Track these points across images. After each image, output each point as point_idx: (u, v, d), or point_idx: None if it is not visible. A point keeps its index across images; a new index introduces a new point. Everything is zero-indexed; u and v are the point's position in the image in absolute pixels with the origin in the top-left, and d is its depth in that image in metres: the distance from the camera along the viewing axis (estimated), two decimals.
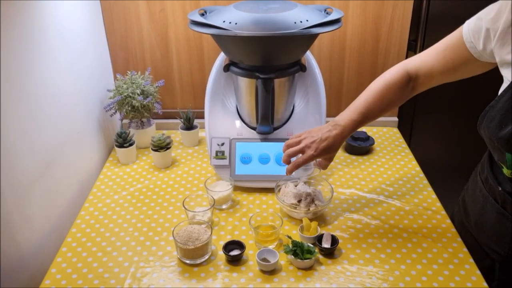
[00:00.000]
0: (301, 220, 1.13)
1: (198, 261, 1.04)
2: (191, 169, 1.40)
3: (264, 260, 1.02)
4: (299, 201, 1.16)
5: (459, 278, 0.98)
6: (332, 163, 1.38)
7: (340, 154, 1.46)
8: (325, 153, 1.03)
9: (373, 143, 1.47)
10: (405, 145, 1.51)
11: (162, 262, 1.05)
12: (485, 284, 0.96)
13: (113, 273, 1.02)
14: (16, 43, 0.99)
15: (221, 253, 1.05)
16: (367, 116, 1.03)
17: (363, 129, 1.57)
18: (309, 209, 1.14)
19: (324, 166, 1.08)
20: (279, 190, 1.21)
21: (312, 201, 1.15)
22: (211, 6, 1.27)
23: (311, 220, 1.12)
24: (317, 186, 1.23)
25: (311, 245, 1.03)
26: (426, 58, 1.01)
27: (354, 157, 1.44)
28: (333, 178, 1.34)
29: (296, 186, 1.21)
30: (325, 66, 1.53)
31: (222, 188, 1.22)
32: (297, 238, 1.07)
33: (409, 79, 1.03)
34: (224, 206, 1.22)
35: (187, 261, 1.04)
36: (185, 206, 1.14)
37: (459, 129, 1.71)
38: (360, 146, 1.44)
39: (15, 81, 0.98)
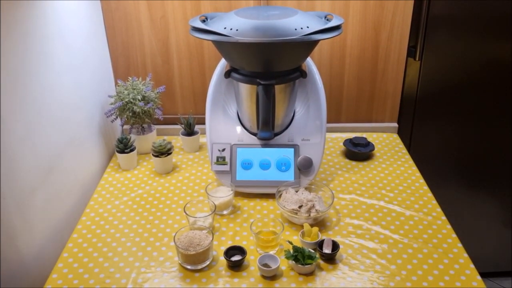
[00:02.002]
0: (302, 226, 1.13)
1: (199, 267, 1.04)
2: (192, 174, 1.40)
3: (265, 265, 1.02)
4: (300, 206, 1.16)
5: (460, 284, 0.98)
6: (332, 169, 1.39)
7: (341, 160, 1.46)
8: None
9: (373, 149, 1.47)
10: (405, 150, 1.51)
11: (163, 267, 1.05)
12: None
13: (114, 279, 1.02)
14: (19, 48, 0.99)
15: (222, 258, 1.06)
16: None
17: (363, 135, 1.58)
18: (309, 215, 1.14)
19: None
20: (280, 196, 1.21)
21: (313, 206, 1.15)
22: (212, 13, 1.28)
23: (312, 225, 1.13)
24: (317, 192, 1.23)
25: (312, 251, 1.04)
26: None
27: (354, 163, 1.44)
28: (334, 183, 1.34)
29: (296, 192, 1.22)
30: (325, 72, 1.54)
31: (223, 194, 1.23)
32: (298, 244, 1.07)
33: None
34: (225, 212, 1.22)
35: (188, 267, 1.04)
36: (186, 212, 1.15)
37: (458, 135, 1.71)
38: (360, 152, 1.45)
39: (18, 86, 0.99)
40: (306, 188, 1.24)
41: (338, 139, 1.58)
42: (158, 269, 1.04)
